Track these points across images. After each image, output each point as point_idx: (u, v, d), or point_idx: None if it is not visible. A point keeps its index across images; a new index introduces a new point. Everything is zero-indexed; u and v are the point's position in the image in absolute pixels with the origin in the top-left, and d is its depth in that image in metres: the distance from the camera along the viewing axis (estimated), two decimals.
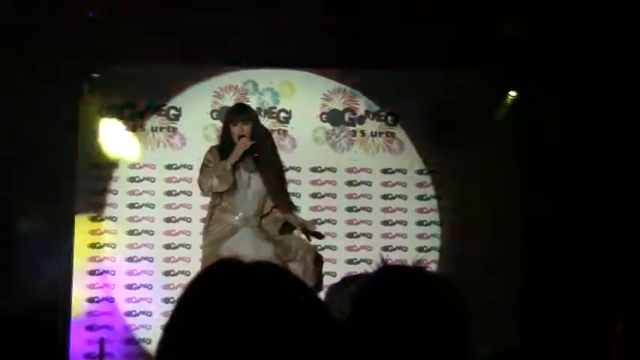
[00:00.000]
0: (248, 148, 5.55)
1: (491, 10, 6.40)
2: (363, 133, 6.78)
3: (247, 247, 5.49)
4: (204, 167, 5.70)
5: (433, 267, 6.33)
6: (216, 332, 1.21)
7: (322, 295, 3.00)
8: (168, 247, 6.57)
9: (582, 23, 6.33)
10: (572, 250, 6.60)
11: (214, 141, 6.65)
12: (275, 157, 5.83)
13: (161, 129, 6.68)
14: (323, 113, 6.77)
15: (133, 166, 6.61)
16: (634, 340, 2.15)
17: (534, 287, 6.63)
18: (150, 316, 6.48)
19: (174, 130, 6.69)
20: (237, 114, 5.69)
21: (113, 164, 6.59)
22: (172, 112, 6.70)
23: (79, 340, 6.39)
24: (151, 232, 6.57)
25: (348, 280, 2.51)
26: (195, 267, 6.34)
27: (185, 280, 6.32)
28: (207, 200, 6.55)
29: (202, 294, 1.26)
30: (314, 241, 5.69)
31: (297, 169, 6.63)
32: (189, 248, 6.55)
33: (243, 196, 5.64)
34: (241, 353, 1.19)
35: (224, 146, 5.69)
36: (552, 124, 6.81)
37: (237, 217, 5.60)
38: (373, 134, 6.80)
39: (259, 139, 5.66)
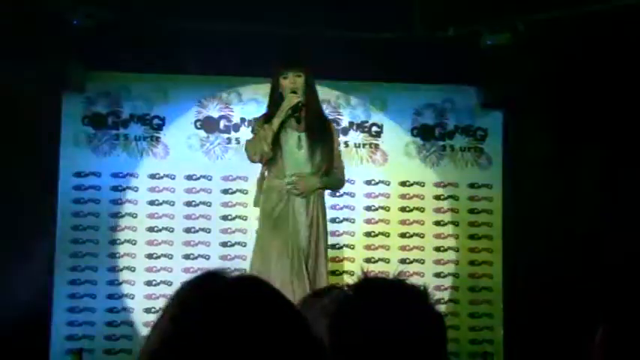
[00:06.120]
0: (296, 105, 5.17)
1: (477, 22, 6.44)
2: (346, 144, 6.78)
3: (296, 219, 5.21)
4: (253, 136, 5.36)
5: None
6: (197, 349, 1.20)
7: None
8: (150, 257, 6.54)
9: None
10: (561, 262, 6.61)
11: (198, 150, 6.66)
12: (325, 119, 5.52)
13: (144, 138, 6.66)
14: None
15: (115, 175, 6.59)
16: (615, 347, 2.15)
17: (521, 301, 6.64)
18: (131, 326, 6.45)
19: (158, 139, 6.67)
20: (289, 65, 5.27)
21: (96, 173, 6.56)
22: (156, 121, 6.68)
23: (58, 350, 6.35)
24: (133, 242, 6.55)
25: (320, 293, 2.50)
26: (177, 277, 6.33)
27: (168, 289, 6.31)
28: (190, 210, 6.58)
29: (180, 316, 1.25)
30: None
31: None
32: (171, 258, 6.54)
33: (293, 159, 5.26)
34: None
35: (272, 108, 5.27)
36: (540, 138, 6.82)
37: (287, 182, 5.24)
38: (357, 145, 6.80)
39: (310, 95, 5.28)
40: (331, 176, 5.39)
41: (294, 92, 5.20)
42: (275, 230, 5.23)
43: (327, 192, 5.52)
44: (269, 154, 5.20)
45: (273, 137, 5.16)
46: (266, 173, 5.39)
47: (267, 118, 5.30)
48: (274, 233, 5.24)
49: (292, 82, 5.22)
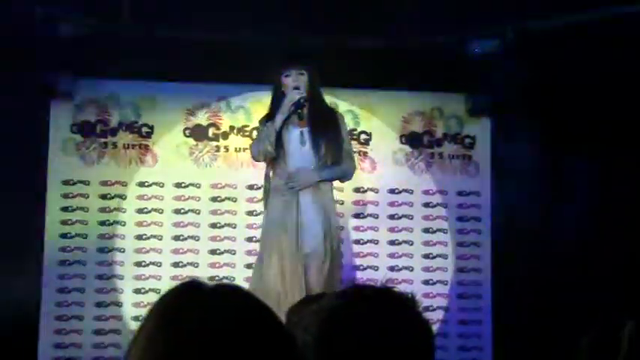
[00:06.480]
0: (298, 101, 5.04)
1: (466, 30, 6.46)
2: None
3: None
4: (257, 136, 5.29)
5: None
6: (181, 356, 1.20)
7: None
8: (138, 264, 6.53)
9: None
10: (551, 268, 6.62)
11: (187, 158, 6.65)
12: (330, 111, 5.38)
13: (133, 146, 6.65)
14: None
15: (104, 184, 6.57)
16: (600, 355, 2.16)
17: (510, 308, 6.64)
18: (119, 334, 6.43)
19: (147, 147, 6.66)
20: (291, 63, 5.18)
21: (84, 181, 6.55)
22: (144, 129, 6.67)
23: (46, 358, 6.32)
24: (121, 250, 6.53)
25: (309, 301, 2.50)
26: (165, 285, 6.31)
27: (156, 297, 6.28)
28: (178, 218, 6.57)
29: (163, 323, 1.26)
30: None
31: None
32: (159, 266, 6.53)
33: (297, 155, 5.14)
34: None
35: (274, 106, 5.15)
36: (528, 145, 6.83)
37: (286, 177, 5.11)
38: None
39: (314, 93, 5.17)
40: (334, 168, 5.25)
41: (297, 89, 5.11)
42: (280, 232, 5.07)
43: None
44: (272, 153, 5.09)
45: (275, 135, 5.05)
46: (271, 174, 5.28)
47: (269, 117, 5.21)
48: (279, 235, 5.07)
49: (295, 80, 5.14)
